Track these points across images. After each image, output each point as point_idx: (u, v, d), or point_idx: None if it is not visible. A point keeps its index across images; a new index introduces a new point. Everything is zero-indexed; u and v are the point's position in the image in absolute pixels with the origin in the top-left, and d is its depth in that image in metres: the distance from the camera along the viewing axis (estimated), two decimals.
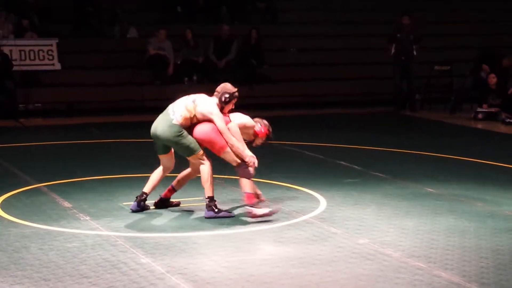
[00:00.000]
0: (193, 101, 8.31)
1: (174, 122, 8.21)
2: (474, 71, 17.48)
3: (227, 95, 8.30)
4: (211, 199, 8.11)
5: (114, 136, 13.60)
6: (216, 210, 8.08)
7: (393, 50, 17.35)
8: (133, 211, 8.29)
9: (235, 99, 8.37)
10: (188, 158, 8.32)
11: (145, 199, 8.37)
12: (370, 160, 11.38)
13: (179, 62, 17.85)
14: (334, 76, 19.23)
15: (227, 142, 8.07)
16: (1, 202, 8.70)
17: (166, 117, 8.33)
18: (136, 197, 8.37)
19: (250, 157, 8.06)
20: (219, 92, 8.36)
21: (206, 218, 8.07)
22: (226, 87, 8.37)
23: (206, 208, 8.11)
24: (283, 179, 9.86)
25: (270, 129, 8.43)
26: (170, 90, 17.57)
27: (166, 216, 8.16)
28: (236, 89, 8.39)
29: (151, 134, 8.34)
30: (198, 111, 8.20)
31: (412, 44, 17.23)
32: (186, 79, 17.86)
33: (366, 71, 19.45)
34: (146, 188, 8.38)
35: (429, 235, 7.47)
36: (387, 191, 9.39)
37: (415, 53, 17.27)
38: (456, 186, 9.70)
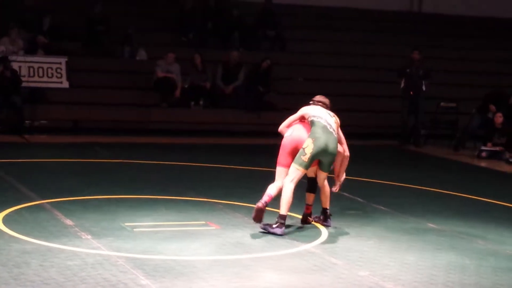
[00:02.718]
0: (333, 116, 9.08)
1: (336, 138, 8.77)
2: (481, 110, 17.47)
3: None
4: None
5: (119, 156, 13.62)
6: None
7: (402, 85, 17.37)
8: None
9: None
10: (326, 173, 8.85)
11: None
12: (372, 193, 11.39)
13: (186, 86, 17.90)
14: (340, 107, 19.10)
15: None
16: (4, 217, 8.70)
17: (330, 134, 8.77)
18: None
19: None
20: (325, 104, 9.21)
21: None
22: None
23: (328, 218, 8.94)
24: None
25: None
26: (176, 114, 17.71)
27: (167, 239, 8.16)
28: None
29: (320, 150, 8.61)
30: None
31: (422, 79, 17.26)
32: (192, 103, 17.90)
33: (372, 104, 19.48)
34: (283, 210, 8.50)
35: (429, 271, 7.47)
36: (388, 224, 9.40)
37: (424, 88, 17.29)
38: (458, 222, 9.70)
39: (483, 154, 16.19)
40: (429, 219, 9.72)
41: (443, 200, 11.35)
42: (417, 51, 17.48)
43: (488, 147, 16.27)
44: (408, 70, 17.34)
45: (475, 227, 9.49)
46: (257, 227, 8.55)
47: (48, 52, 17.57)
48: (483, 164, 15.68)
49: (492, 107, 17.06)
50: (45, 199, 9.68)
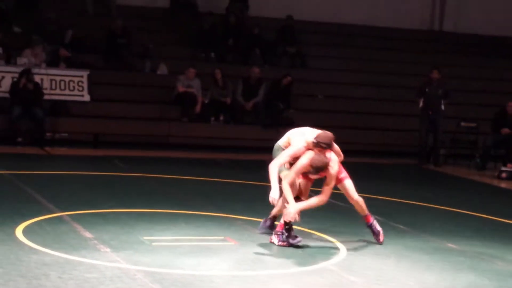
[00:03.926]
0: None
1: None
2: (493, 129, 17.44)
3: None
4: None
5: (139, 170, 13.66)
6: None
7: (421, 104, 17.34)
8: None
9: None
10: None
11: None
12: (391, 211, 11.35)
13: (206, 101, 17.96)
14: (359, 125, 19.26)
15: None
16: (24, 228, 8.75)
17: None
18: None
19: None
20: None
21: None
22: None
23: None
24: (303, 225, 9.80)
25: None
26: (196, 128, 17.76)
27: (186, 253, 8.17)
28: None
29: None
30: None
31: (441, 99, 17.23)
32: (212, 118, 17.96)
33: (391, 122, 19.47)
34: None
35: None
36: (407, 243, 9.37)
37: (443, 108, 17.25)
38: (478, 243, 9.66)
39: (504, 175, 16.11)
40: (448, 239, 9.69)
41: (463, 220, 11.30)
42: (436, 70, 17.45)
43: (509, 168, 16.19)
44: (427, 90, 17.31)
45: (495, 248, 9.44)
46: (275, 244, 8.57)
47: (70, 65, 17.69)
48: (503, 185, 15.61)
49: (504, 130, 16.99)
50: (65, 211, 9.73)
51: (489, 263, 8.70)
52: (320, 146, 8.59)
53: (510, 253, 9.26)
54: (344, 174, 8.98)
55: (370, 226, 9.15)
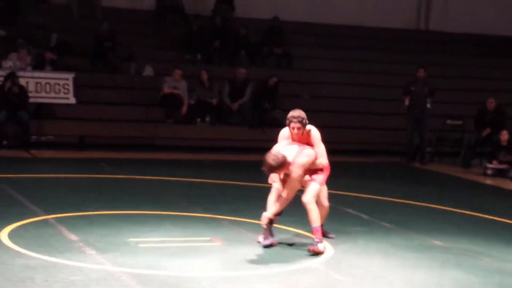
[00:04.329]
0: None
1: None
2: (477, 127, 17.57)
3: None
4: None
5: (125, 172, 13.63)
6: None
7: (407, 102, 17.38)
8: None
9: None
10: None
11: None
12: (377, 210, 11.37)
13: (192, 103, 17.94)
14: (345, 124, 19.29)
15: None
16: (9, 232, 8.71)
17: None
18: None
19: None
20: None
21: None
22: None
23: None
24: (290, 224, 9.82)
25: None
26: (182, 130, 17.74)
27: (172, 254, 8.16)
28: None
29: None
30: None
31: (427, 97, 17.26)
32: (199, 119, 17.94)
33: (378, 121, 19.50)
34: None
35: None
36: (394, 241, 9.38)
37: (429, 106, 17.29)
38: (464, 240, 9.69)
39: (489, 172, 16.17)
40: (434, 236, 9.71)
41: (449, 217, 11.33)
42: (422, 69, 17.48)
43: (494, 165, 16.25)
44: (413, 88, 17.34)
45: (481, 244, 9.47)
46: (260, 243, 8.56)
47: (56, 68, 17.64)
48: (488, 181, 15.66)
49: (486, 131, 17.17)
50: (50, 214, 9.69)
51: (475, 259, 8.72)
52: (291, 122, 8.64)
53: (496, 249, 9.29)
54: (319, 178, 8.72)
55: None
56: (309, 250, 8.39)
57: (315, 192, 8.62)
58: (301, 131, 8.68)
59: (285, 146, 8.63)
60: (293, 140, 8.73)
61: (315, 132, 8.78)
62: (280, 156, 8.33)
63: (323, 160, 8.72)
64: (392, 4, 23.30)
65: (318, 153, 8.67)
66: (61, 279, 7.03)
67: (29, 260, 7.62)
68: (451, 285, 7.59)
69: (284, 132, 8.84)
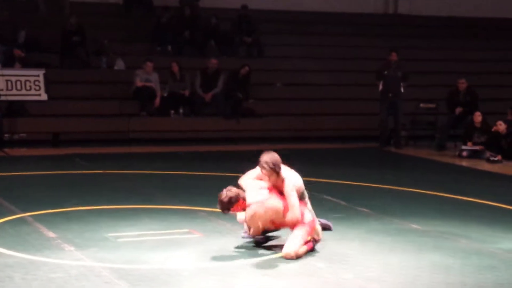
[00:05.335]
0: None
1: None
2: (450, 108, 17.69)
3: None
4: None
5: (100, 167, 13.56)
6: None
7: (381, 87, 17.42)
8: None
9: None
10: None
11: None
12: (355, 196, 11.41)
13: (165, 95, 17.89)
14: (319, 111, 19.33)
15: None
16: None
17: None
18: None
19: None
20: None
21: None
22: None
23: None
24: None
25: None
26: (156, 122, 17.70)
27: (151, 248, 8.14)
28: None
29: None
30: None
31: (400, 81, 17.31)
32: (172, 111, 17.90)
33: (351, 107, 19.56)
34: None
35: (413, 271, 7.49)
36: (371, 226, 9.42)
37: (402, 90, 17.34)
38: (441, 222, 9.74)
39: (464, 153, 16.27)
40: (411, 220, 9.75)
41: (425, 200, 11.38)
42: (394, 52, 17.53)
43: (469, 147, 16.34)
44: (386, 72, 17.38)
45: (458, 227, 9.52)
46: (240, 235, 8.53)
47: (25, 65, 17.52)
48: (464, 163, 15.76)
49: (458, 110, 17.29)
50: (26, 212, 9.63)
51: (453, 241, 8.77)
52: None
53: (473, 230, 9.34)
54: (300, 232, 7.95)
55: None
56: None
57: (298, 245, 7.82)
58: (272, 178, 7.99)
59: (255, 188, 8.04)
60: (269, 185, 8.05)
61: (287, 182, 7.97)
62: (231, 193, 7.93)
63: (293, 213, 7.87)
64: None
65: (289, 205, 7.88)
66: (40, 277, 7.00)
67: (7, 258, 7.57)
68: (429, 267, 7.63)
69: (257, 171, 8.18)
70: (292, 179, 8.08)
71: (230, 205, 8.01)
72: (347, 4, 22.85)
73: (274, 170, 7.98)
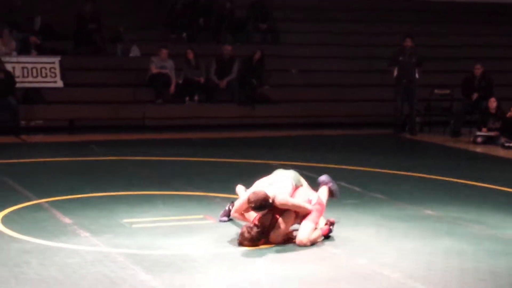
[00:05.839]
0: None
1: None
2: (465, 94, 17.65)
3: None
4: None
5: (115, 153, 13.63)
6: None
7: (395, 73, 17.37)
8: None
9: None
10: None
11: None
12: (369, 182, 11.43)
13: (180, 82, 17.93)
14: (334, 98, 19.32)
15: None
16: (2, 217, 8.73)
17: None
18: None
19: None
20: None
21: None
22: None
23: None
24: None
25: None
26: (171, 109, 17.75)
27: (166, 234, 8.20)
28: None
29: None
30: None
31: (415, 67, 17.25)
32: (187, 98, 17.93)
33: (366, 93, 19.52)
34: None
35: (427, 257, 7.52)
36: (386, 212, 9.44)
37: (417, 76, 17.29)
38: (455, 208, 9.75)
39: (479, 139, 16.23)
40: (426, 206, 9.77)
41: (440, 186, 11.38)
42: (409, 38, 17.45)
43: (484, 132, 16.31)
44: (400, 58, 17.33)
45: (472, 212, 9.54)
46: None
47: (41, 52, 17.59)
48: (478, 149, 15.72)
49: (473, 96, 17.25)
50: (43, 199, 9.71)
51: (467, 227, 8.79)
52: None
53: (487, 216, 9.35)
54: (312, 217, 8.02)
55: None
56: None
57: (309, 231, 7.88)
58: (267, 214, 7.87)
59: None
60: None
61: (279, 199, 7.83)
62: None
63: (303, 210, 7.96)
64: None
65: (295, 208, 7.92)
66: (57, 262, 7.07)
67: (24, 244, 7.65)
68: (443, 253, 7.65)
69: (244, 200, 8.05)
70: (279, 191, 7.92)
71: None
72: None
73: (258, 209, 7.78)
